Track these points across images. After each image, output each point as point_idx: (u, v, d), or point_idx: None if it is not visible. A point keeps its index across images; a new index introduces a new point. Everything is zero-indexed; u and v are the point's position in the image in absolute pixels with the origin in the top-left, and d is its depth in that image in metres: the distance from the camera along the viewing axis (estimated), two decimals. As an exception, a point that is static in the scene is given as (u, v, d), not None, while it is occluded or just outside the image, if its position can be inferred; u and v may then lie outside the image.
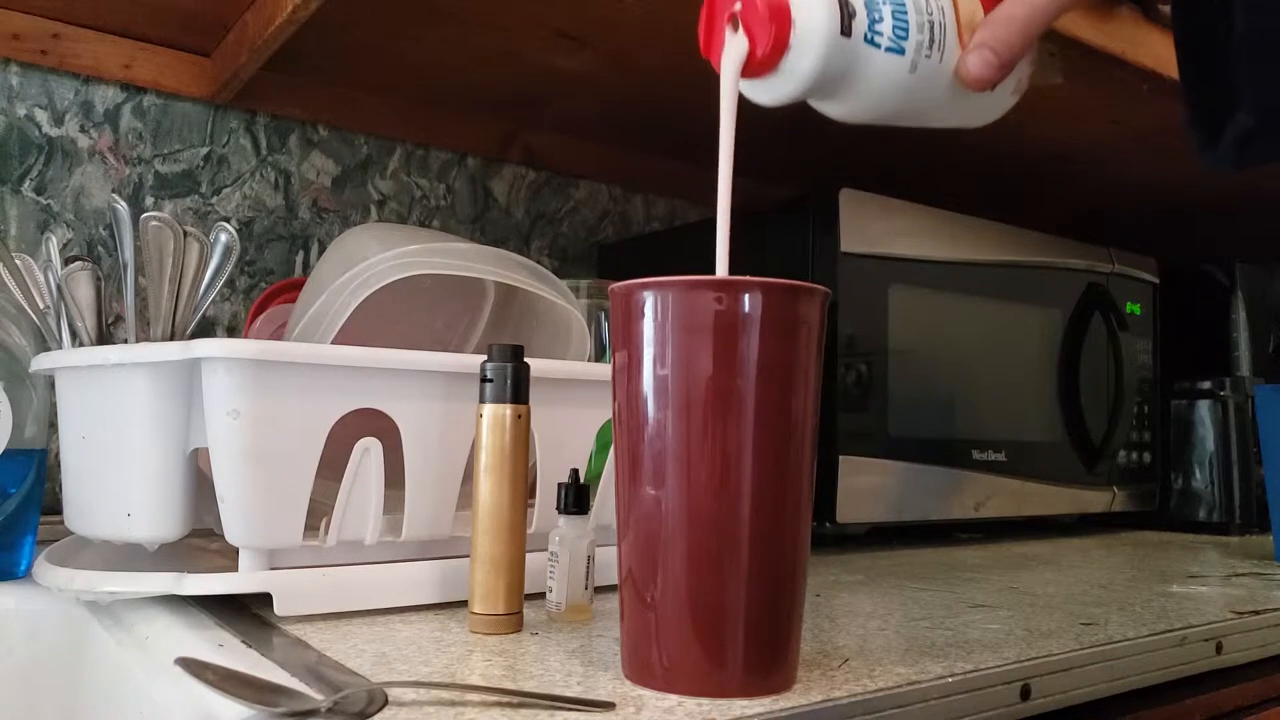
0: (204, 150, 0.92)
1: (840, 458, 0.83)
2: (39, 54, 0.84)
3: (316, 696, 0.36)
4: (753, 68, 0.43)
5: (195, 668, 0.38)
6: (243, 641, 0.46)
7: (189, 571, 0.50)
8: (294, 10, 0.71)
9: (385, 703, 0.36)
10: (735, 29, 0.43)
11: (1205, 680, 0.55)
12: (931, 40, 0.44)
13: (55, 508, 0.61)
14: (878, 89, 0.45)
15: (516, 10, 0.78)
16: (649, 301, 0.39)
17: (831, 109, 0.46)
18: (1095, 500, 1.05)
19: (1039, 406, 1.01)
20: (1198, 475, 1.12)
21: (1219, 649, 0.56)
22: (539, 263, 0.65)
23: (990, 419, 0.95)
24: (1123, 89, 0.88)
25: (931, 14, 0.44)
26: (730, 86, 0.43)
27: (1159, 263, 1.14)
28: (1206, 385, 1.12)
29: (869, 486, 0.85)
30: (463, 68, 0.91)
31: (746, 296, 0.38)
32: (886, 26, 0.43)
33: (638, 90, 0.95)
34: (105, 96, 0.88)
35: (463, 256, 0.61)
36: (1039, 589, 0.67)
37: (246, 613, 0.51)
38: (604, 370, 0.60)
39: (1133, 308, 1.10)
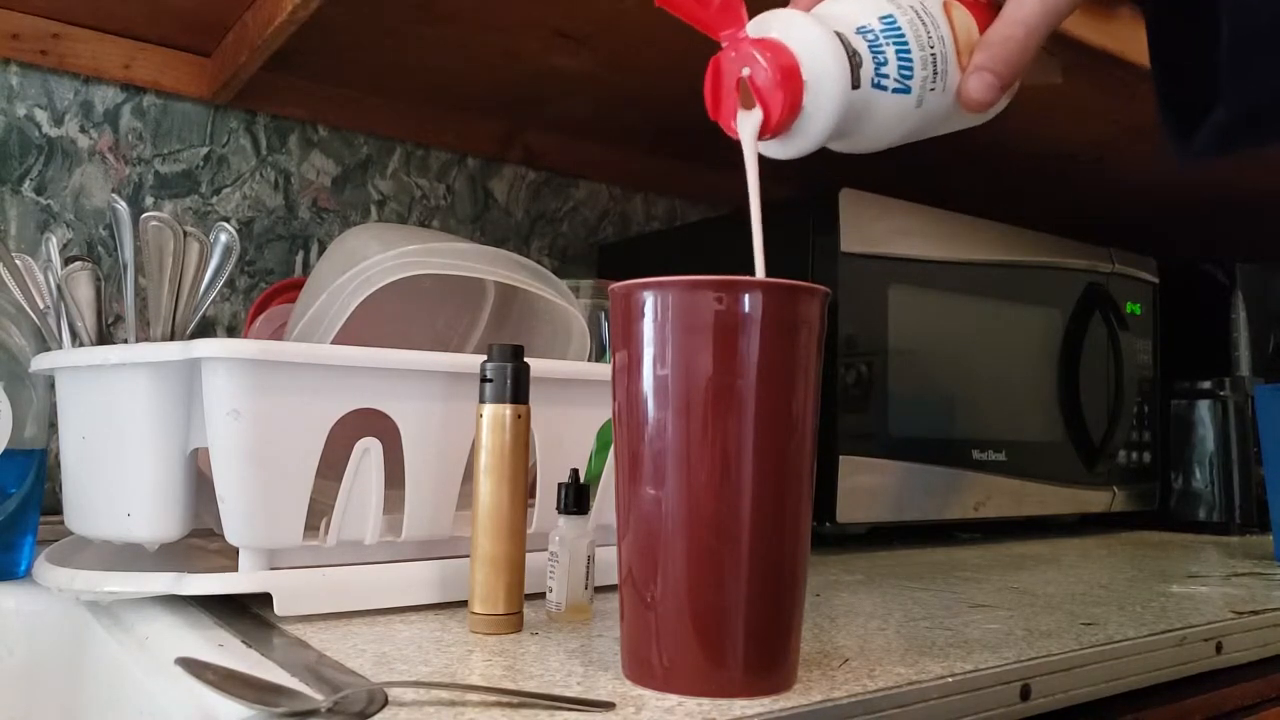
0: (204, 150, 0.92)
1: (840, 458, 0.83)
2: (39, 54, 0.84)
3: (316, 696, 0.36)
4: (768, 132, 0.43)
5: (195, 668, 0.38)
6: (243, 641, 0.46)
7: (189, 571, 0.50)
8: (294, 10, 0.71)
9: (385, 703, 0.36)
10: (748, 99, 0.42)
11: (1205, 680, 0.55)
12: (935, 73, 0.44)
13: (55, 508, 0.61)
14: (885, 126, 0.45)
15: (516, 10, 0.78)
16: (649, 301, 0.39)
17: (839, 146, 0.46)
18: (1095, 500, 1.05)
19: (1039, 406, 1.01)
20: (1198, 475, 1.12)
21: (1219, 649, 0.56)
22: (539, 263, 0.65)
23: (990, 419, 0.95)
24: (1123, 89, 0.88)
25: (933, 46, 0.44)
26: (750, 152, 0.43)
27: (1159, 263, 1.14)
28: (1206, 385, 1.12)
29: (869, 486, 0.85)
30: (462, 68, 0.91)
31: (746, 296, 0.38)
32: (892, 68, 0.43)
33: (638, 90, 0.95)
34: (105, 96, 0.88)
35: (463, 256, 0.61)
36: (1039, 589, 0.67)
37: (246, 613, 0.51)
38: (604, 370, 0.60)
39: (1133, 308, 1.10)
